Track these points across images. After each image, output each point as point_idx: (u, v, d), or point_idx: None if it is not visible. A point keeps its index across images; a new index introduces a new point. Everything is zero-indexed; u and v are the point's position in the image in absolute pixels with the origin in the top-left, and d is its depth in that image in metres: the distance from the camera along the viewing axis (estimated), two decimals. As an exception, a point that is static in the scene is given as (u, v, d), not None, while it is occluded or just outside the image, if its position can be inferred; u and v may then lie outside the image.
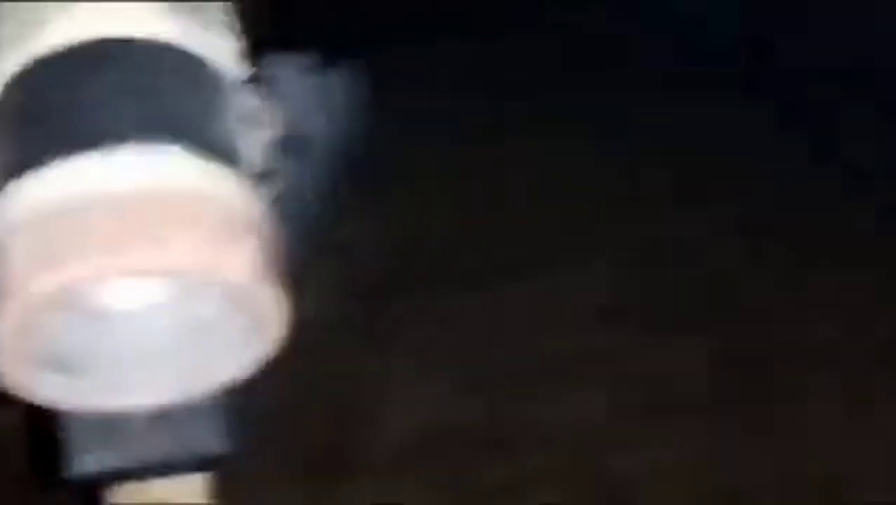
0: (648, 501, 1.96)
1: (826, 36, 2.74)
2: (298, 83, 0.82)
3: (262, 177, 0.78)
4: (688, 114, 2.71)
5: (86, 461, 0.82)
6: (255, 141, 0.79)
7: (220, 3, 0.83)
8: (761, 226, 2.49)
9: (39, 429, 0.85)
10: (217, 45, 0.79)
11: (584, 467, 2.00)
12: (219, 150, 0.75)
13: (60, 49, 0.75)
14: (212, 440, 0.83)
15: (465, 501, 1.96)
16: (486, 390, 2.13)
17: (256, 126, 0.79)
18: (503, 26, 3.06)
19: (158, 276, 0.76)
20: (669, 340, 2.22)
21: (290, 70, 0.82)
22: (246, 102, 0.80)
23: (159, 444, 0.83)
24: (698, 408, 2.10)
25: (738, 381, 2.16)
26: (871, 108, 2.67)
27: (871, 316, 2.29)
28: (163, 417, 0.82)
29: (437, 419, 2.08)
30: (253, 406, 0.86)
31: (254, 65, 0.81)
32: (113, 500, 0.90)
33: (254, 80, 0.80)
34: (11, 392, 0.77)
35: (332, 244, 2.10)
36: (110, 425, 0.82)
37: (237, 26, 0.82)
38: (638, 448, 2.03)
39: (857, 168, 2.59)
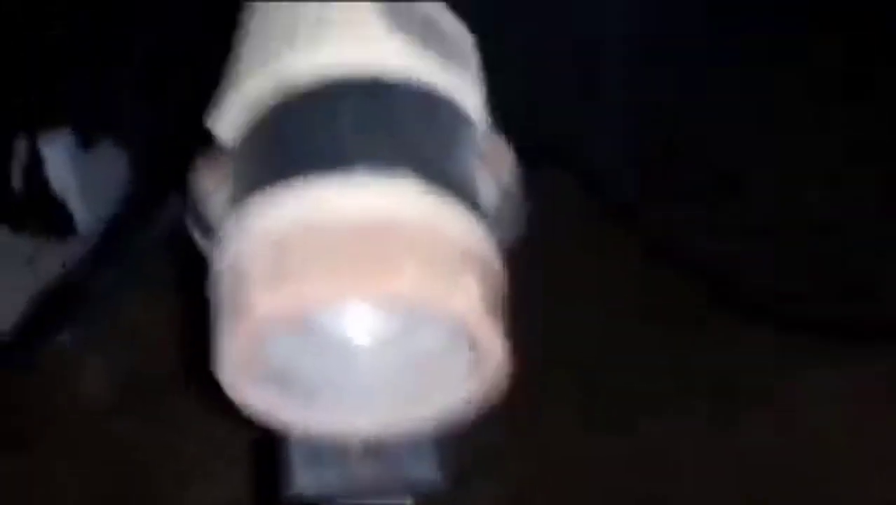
0: None
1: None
2: None
3: (495, 217, 0.79)
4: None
5: (304, 481, 0.84)
6: (492, 181, 0.79)
7: (467, 40, 0.84)
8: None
9: (264, 447, 0.87)
10: (460, 82, 0.80)
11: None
12: (455, 185, 0.75)
13: (308, 78, 0.77)
14: (426, 471, 0.84)
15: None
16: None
17: (493, 166, 0.80)
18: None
19: (386, 304, 0.77)
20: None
21: None
22: (485, 142, 0.80)
23: (375, 471, 0.84)
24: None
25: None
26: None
27: None
28: (380, 445, 0.83)
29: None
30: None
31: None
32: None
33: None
34: (240, 410, 0.79)
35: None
36: (330, 449, 0.83)
37: (480, 64, 0.83)
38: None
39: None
